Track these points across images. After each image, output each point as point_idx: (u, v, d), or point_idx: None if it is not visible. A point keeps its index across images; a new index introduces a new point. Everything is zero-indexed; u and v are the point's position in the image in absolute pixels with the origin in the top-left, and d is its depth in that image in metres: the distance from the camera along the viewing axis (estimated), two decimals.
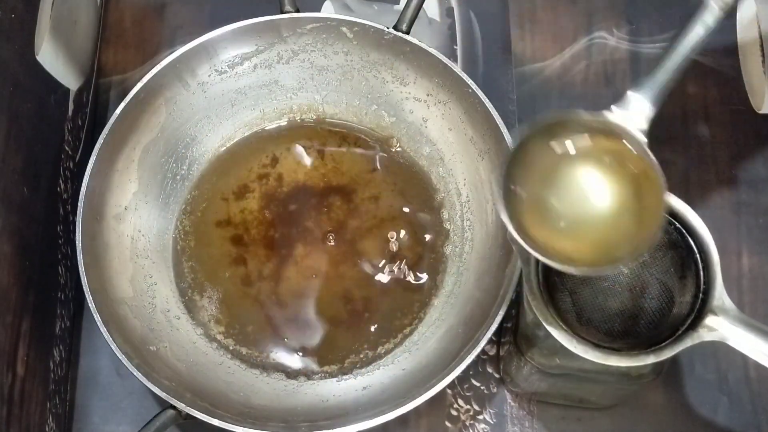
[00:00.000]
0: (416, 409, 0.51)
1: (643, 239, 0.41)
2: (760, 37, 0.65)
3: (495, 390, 0.60)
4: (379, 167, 0.64)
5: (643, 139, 0.41)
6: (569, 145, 0.42)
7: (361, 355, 0.59)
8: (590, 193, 0.42)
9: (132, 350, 0.53)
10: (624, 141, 0.42)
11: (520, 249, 0.40)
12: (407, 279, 0.61)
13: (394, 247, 0.62)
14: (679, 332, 0.44)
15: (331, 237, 0.62)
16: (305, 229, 0.62)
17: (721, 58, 0.67)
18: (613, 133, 0.42)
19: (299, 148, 0.65)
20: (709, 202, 0.64)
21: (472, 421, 0.60)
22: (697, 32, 0.44)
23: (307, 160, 0.64)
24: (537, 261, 0.45)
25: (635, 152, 0.41)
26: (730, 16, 0.45)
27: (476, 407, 0.60)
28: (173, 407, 0.51)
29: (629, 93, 0.43)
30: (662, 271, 0.46)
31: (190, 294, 0.61)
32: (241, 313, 0.60)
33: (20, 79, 0.55)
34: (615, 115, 0.42)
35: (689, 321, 0.44)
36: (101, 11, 0.71)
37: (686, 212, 0.45)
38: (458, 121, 0.61)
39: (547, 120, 0.42)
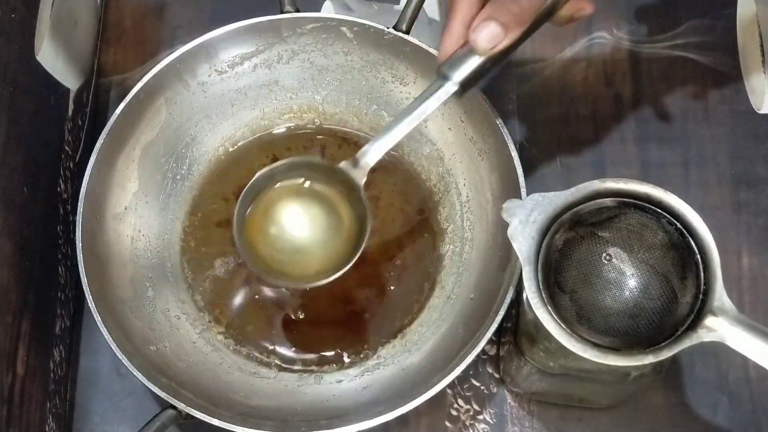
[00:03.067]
0: (416, 409, 0.51)
1: (347, 259, 0.52)
2: (760, 37, 0.65)
3: (495, 390, 0.60)
4: (379, 167, 0.64)
5: (360, 183, 0.51)
6: (286, 183, 0.53)
7: (361, 355, 0.59)
8: (302, 221, 0.54)
9: (132, 350, 0.53)
10: (346, 182, 0.52)
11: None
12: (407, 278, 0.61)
13: (393, 247, 0.62)
14: (679, 332, 0.43)
15: None
16: None
17: (722, 58, 0.67)
18: (338, 175, 0.52)
19: (299, 149, 0.65)
20: (709, 203, 0.64)
21: (472, 421, 0.60)
22: (428, 106, 0.50)
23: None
24: (537, 261, 0.45)
25: (352, 190, 0.52)
26: (461, 95, 0.50)
27: (476, 407, 0.60)
28: (173, 407, 0.51)
29: (358, 154, 0.51)
30: (662, 271, 0.46)
31: (190, 294, 0.61)
32: (241, 313, 0.60)
33: (20, 79, 0.55)
34: (343, 165, 0.52)
35: (689, 321, 0.44)
36: (101, 11, 0.71)
37: (686, 212, 0.45)
38: (458, 121, 0.61)
39: (288, 162, 0.53)
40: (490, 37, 0.46)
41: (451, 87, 0.49)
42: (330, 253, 0.53)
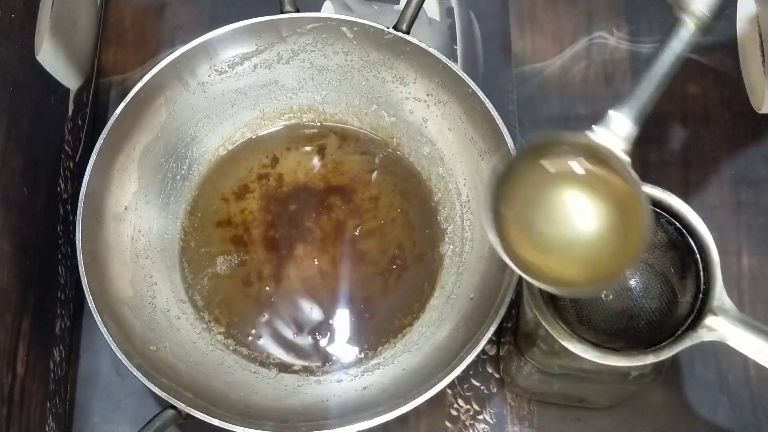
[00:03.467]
0: (416, 409, 0.51)
1: (628, 259, 0.41)
2: (760, 37, 0.65)
3: (495, 390, 0.60)
4: (379, 167, 0.64)
5: (626, 159, 0.42)
6: (554, 167, 0.42)
7: (361, 355, 0.59)
8: (575, 214, 0.42)
9: (132, 350, 0.53)
10: (607, 161, 0.42)
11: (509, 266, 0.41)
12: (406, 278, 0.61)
13: (393, 247, 0.62)
14: (679, 332, 0.44)
15: (331, 237, 0.62)
16: (305, 230, 0.62)
17: (721, 58, 0.67)
18: (596, 153, 0.42)
19: (299, 149, 0.65)
20: (709, 202, 0.64)
21: (472, 421, 0.59)
22: (674, 50, 0.44)
23: (307, 161, 0.64)
24: None
25: (618, 172, 0.42)
26: (706, 32, 0.44)
27: (476, 407, 0.60)
28: (173, 407, 0.51)
29: (610, 112, 0.42)
30: (662, 271, 0.46)
31: (190, 294, 0.61)
32: (241, 313, 0.60)
33: (20, 79, 0.55)
34: (597, 134, 0.42)
35: (689, 321, 0.44)
36: (101, 11, 0.71)
37: (686, 212, 0.45)
38: (458, 121, 0.61)
39: (533, 142, 0.43)
40: None
41: (698, 20, 0.43)
42: (599, 255, 0.43)
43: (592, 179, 0.42)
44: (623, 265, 0.41)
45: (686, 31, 0.43)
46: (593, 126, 0.42)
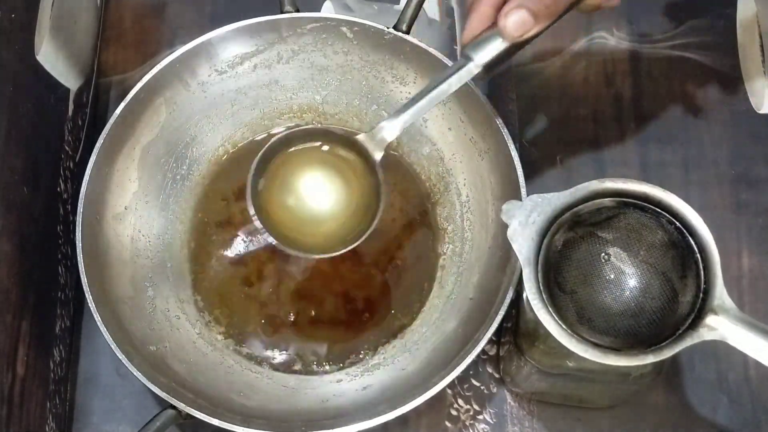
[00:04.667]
0: (416, 409, 0.51)
1: (358, 232, 0.51)
2: (760, 37, 0.65)
3: (495, 390, 0.60)
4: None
5: (377, 158, 0.51)
6: (302, 149, 0.53)
7: (361, 355, 0.59)
8: (322, 192, 0.53)
9: (132, 350, 0.53)
10: (363, 156, 0.52)
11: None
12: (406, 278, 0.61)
13: (393, 247, 0.62)
14: (680, 331, 0.43)
15: None
16: None
17: (722, 58, 0.67)
18: (356, 148, 0.51)
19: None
20: (709, 202, 0.64)
21: (472, 421, 0.59)
22: (450, 85, 0.50)
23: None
24: (537, 262, 0.45)
25: (368, 164, 0.51)
26: (483, 77, 0.50)
27: (476, 407, 0.60)
28: (173, 407, 0.51)
29: (381, 124, 0.50)
30: (662, 270, 0.46)
31: (190, 294, 0.61)
32: (241, 313, 0.60)
33: (20, 79, 0.55)
34: (362, 137, 0.51)
35: (689, 320, 0.44)
36: (101, 11, 0.71)
37: (686, 212, 0.45)
38: (458, 121, 0.61)
39: (298, 131, 0.52)
40: (520, 24, 0.47)
41: (473, 68, 0.49)
42: (342, 226, 0.52)
43: (341, 166, 0.53)
44: (354, 235, 0.51)
45: (466, 73, 0.49)
46: (361, 134, 0.51)
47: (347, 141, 0.52)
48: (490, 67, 0.49)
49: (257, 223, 0.51)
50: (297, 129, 0.52)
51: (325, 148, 0.53)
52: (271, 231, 0.51)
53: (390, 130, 0.50)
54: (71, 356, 0.61)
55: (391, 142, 0.51)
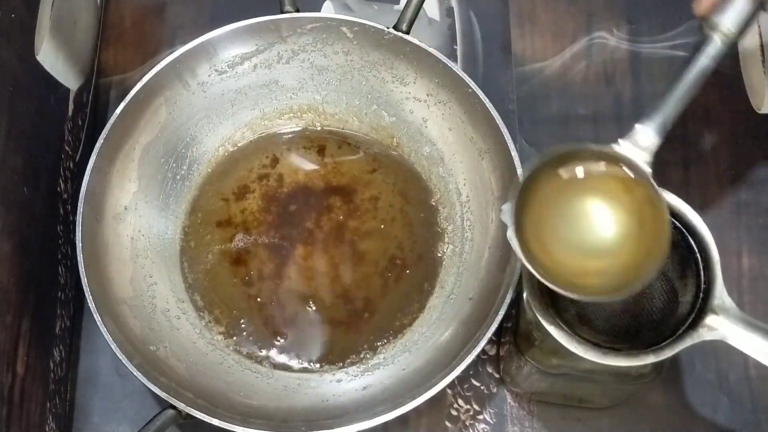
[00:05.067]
0: (416, 409, 0.51)
1: (648, 268, 0.42)
2: (760, 38, 0.65)
3: (495, 390, 0.60)
4: (379, 167, 0.64)
5: (648, 170, 0.43)
6: (578, 174, 0.44)
7: (361, 355, 0.59)
8: (596, 222, 0.44)
9: (132, 350, 0.53)
10: (630, 172, 0.44)
11: (527, 273, 0.41)
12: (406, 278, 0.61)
13: (393, 247, 0.62)
14: (680, 331, 0.43)
15: (331, 237, 0.62)
16: (305, 230, 0.62)
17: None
18: (620, 164, 0.44)
19: (299, 149, 0.65)
20: (709, 202, 0.64)
21: (472, 421, 0.59)
22: (702, 66, 0.45)
23: (307, 161, 0.64)
24: None
25: (641, 182, 0.43)
26: (732, 48, 0.45)
27: (476, 407, 0.60)
28: (173, 407, 0.51)
29: (636, 126, 0.44)
30: (663, 270, 0.46)
31: (190, 294, 0.61)
32: (241, 313, 0.60)
33: (20, 79, 0.55)
34: (621, 147, 0.44)
35: (690, 320, 0.44)
36: (101, 11, 0.71)
37: (687, 212, 0.45)
38: (458, 121, 0.61)
39: (557, 151, 0.44)
40: None
41: (724, 39, 0.44)
42: (621, 260, 0.44)
43: (614, 189, 0.44)
44: (643, 273, 0.42)
45: (714, 48, 0.45)
46: (619, 139, 0.44)
47: (604, 155, 0.44)
48: (738, 36, 0.44)
49: (527, 265, 0.43)
50: (546, 154, 0.44)
51: (600, 176, 0.44)
52: (539, 272, 0.43)
53: (654, 130, 0.44)
54: (71, 356, 0.61)
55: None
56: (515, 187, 0.43)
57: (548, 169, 0.44)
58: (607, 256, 0.43)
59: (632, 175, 0.43)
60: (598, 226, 0.44)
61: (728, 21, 0.44)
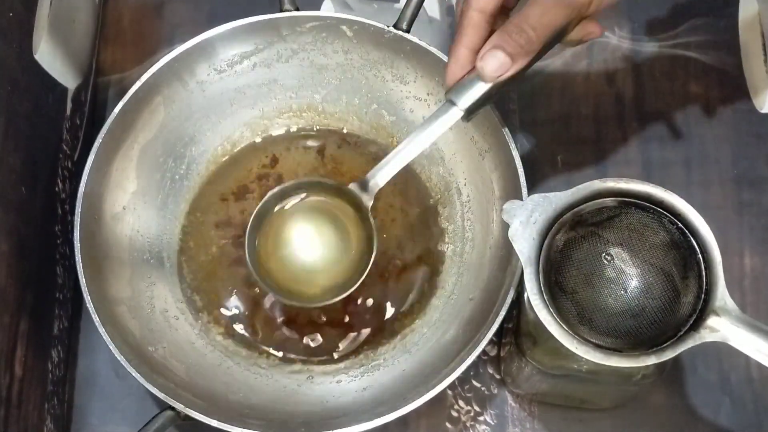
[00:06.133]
0: (416, 410, 0.51)
1: (354, 280, 0.54)
2: (762, 36, 0.65)
3: (496, 391, 0.60)
4: None
5: (368, 206, 0.53)
6: (295, 203, 0.56)
7: (361, 356, 0.59)
8: (312, 242, 0.56)
9: (131, 351, 0.53)
10: (356, 205, 0.54)
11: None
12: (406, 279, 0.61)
13: (393, 247, 0.62)
14: (681, 333, 0.43)
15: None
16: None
17: (723, 57, 0.67)
18: (347, 197, 0.54)
19: (299, 149, 0.64)
20: (711, 202, 0.63)
21: (472, 422, 0.59)
22: (434, 130, 0.51)
23: (307, 161, 0.64)
24: (538, 262, 0.44)
25: (360, 213, 0.54)
26: (467, 119, 0.51)
27: (477, 408, 0.60)
28: (172, 408, 0.51)
29: (367, 176, 0.53)
30: (664, 270, 0.46)
31: (189, 294, 0.61)
32: (240, 313, 0.60)
33: (18, 78, 0.55)
34: (352, 186, 0.53)
35: (691, 321, 0.43)
36: (99, 10, 0.70)
37: (688, 212, 0.44)
38: (459, 121, 0.60)
39: (289, 185, 0.55)
40: (497, 65, 0.47)
41: (457, 112, 0.50)
42: (339, 272, 0.55)
43: (335, 216, 0.55)
44: (349, 284, 0.54)
45: (450, 117, 0.50)
46: (350, 184, 0.53)
47: (339, 191, 0.54)
48: (473, 109, 0.50)
49: (256, 278, 0.54)
50: (289, 183, 0.55)
51: (315, 203, 0.56)
52: (269, 285, 0.54)
53: (380, 177, 0.52)
54: (69, 357, 0.61)
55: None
56: (257, 209, 0.54)
57: (284, 198, 0.55)
58: (326, 269, 0.55)
59: (355, 206, 0.54)
60: (314, 247, 0.56)
61: (464, 100, 0.49)
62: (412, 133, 0.51)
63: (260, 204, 0.54)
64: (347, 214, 0.55)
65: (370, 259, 0.54)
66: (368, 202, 0.53)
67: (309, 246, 0.56)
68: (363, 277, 0.54)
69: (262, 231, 0.55)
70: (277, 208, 0.55)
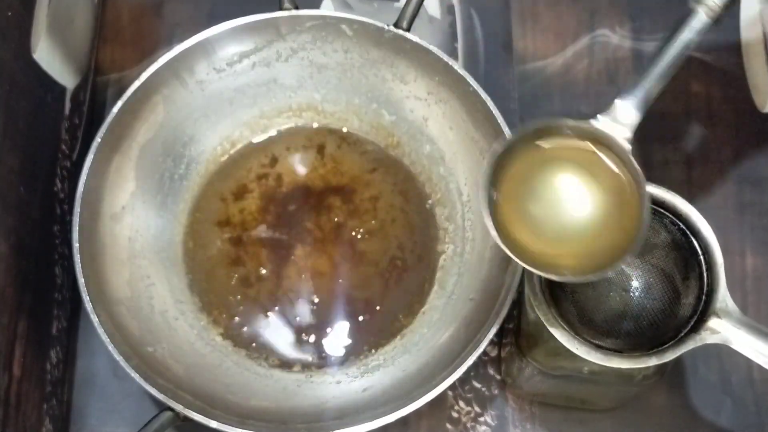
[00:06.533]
0: (417, 411, 0.51)
1: (625, 247, 0.41)
2: (764, 36, 0.65)
3: (496, 392, 0.60)
4: (378, 167, 0.64)
5: (628, 147, 0.42)
6: (553, 149, 0.43)
7: (361, 357, 0.59)
8: (572, 200, 0.43)
9: (129, 351, 0.53)
10: (609, 148, 0.43)
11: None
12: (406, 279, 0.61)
13: (393, 247, 0.62)
14: (682, 334, 0.43)
15: (330, 237, 0.61)
16: (305, 230, 0.62)
17: (725, 56, 0.67)
18: (598, 140, 0.43)
19: (298, 148, 0.64)
20: (712, 203, 0.63)
21: (473, 423, 0.59)
22: (684, 39, 0.44)
23: (307, 161, 0.64)
24: None
25: (620, 160, 0.42)
26: (717, 23, 0.45)
27: (477, 409, 0.60)
28: (171, 409, 0.51)
29: (616, 101, 0.43)
30: (665, 272, 0.46)
31: (188, 295, 0.61)
32: (239, 314, 0.60)
33: (17, 78, 0.55)
34: (600, 123, 0.43)
35: (692, 323, 0.43)
36: (98, 9, 0.70)
37: (690, 212, 0.44)
38: (459, 120, 0.60)
39: (533, 126, 0.43)
40: None
41: (709, 11, 0.44)
42: (596, 241, 0.43)
43: (591, 165, 0.43)
44: (619, 253, 0.41)
45: (698, 22, 0.44)
46: (598, 115, 0.43)
47: (584, 131, 0.43)
48: (725, 10, 0.44)
49: (498, 243, 0.42)
50: (522, 129, 0.43)
51: (574, 151, 0.43)
52: (514, 251, 0.42)
53: (634, 106, 0.43)
54: (68, 357, 0.61)
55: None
56: (491, 157, 0.42)
57: (523, 145, 0.43)
58: (581, 235, 0.43)
59: (611, 153, 0.43)
60: (574, 206, 0.43)
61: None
62: (661, 50, 0.44)
63: (492, 153, 0.42)
64: (599, 165, 0.43)
65: (641, 225, 0.41)
66: (626, 141, 0.42)
67: (563, 203, 0.43)
68: (636, 246, 0.41)
69: (500, 187, 0.43)
70: (514, 158, 0.43)
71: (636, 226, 0.41)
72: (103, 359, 0.60)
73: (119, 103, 0.57)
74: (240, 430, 0.51)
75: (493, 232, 0.42)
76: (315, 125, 0.65)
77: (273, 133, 0.65)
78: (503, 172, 0.43)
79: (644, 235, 0.41)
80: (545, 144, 0.43)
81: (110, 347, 0.52)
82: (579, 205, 0.43)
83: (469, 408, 0.60)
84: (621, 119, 0.43)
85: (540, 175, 0.43)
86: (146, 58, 0.68)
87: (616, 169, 0.42)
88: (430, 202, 0.63)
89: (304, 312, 0.60)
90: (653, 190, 0.45)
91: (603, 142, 0.42)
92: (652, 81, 0.44)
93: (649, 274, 0.46)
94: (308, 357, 0.59)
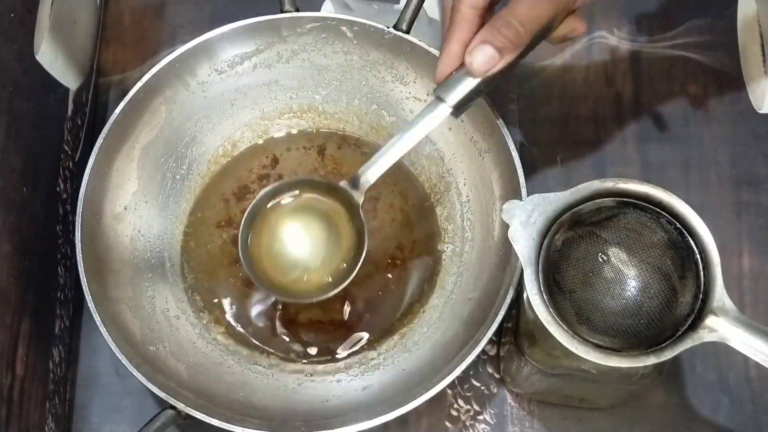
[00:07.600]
0: (416, 410, 0.51)
1: (346, 276, 0.54)
2: (761, 37, 0.65)
3: (495, 390, 0.60)
4: None
5: (359, 202, 0.53)
6: (288, 201, 0.56)
7: (361, 355, 0.59)
8: (308, 239, 0.56)
9: (131, 350, 0.53)
10: (347, 202, 0.54)
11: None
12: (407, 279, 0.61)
13: (393, 247, 0.62)
14: (680, 333, 0.43)
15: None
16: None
17: (722, 57, 0.67)
18: (338, 194, 0.54)
19: (299, 149, 0.65)
20: (709, 202, 0.63)
21: (472, 422, 0.59)
22: (424, 128, 0.50)
23: (307, 161, 0.64)
24: (538, 262, 0.45)
25: (353, 210, 0.54)
26: (457, 115, 0.50)
27: (476, 407, 0.60)
28: (173, 407, 0.51)
29: (358, 172, 0.53)
30: (663, 271, 0.46)
31: (189, 294, 0.61)
32: (241, 313, 0.60)
33: (20, 79, 0.55)
34: (344, 183, 0.54)
35: (690, 321, 0.44)
36: (101, 11, 0.70)
37: (687, 212, 0.45)
38: (458, 121, 0.60)
39: (282, 183, 0.55)
40: (485, 60, 0.47)
41: (445, 109, 0.50)
42: (331, 269, 0.55)
43: (326, 213, 0.56)
44: (340, 280, 0.54)
45: (441, 113, 0.50)
46: (341, 182, 0.54)
47: (330, 188, 0.55)
48: (462, 105, 0.49)
49: (249, 274, 0.54)
50: (281, 182, 0.55)
51: (309, 196, 0.56)
52: (262, 282, 0.55)
53: (370, 174, 0.52)
54: (71, 356, 0.61)
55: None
56: (246, 214, 0.54)
57: (276, 197, 0.55)
58: (318, 265, 0.55)
59: (347, 203, 0.54)
60: (310, 240, 0.56)
61: (453, 96, 0.49)
62: (401, 130, 0.51)
63: (253, 202, 0.55)
64: (339, 212, 0.55)
65: (361, 256, 0.54)
66: (359, 198, 0.53)
67: (301, 243, 0.56)
68: (354, 275, 0.54)
69: (255, 228, 0.55)
70: (269, 205, 0.55)
71: (354, 257, 0.54)
72: (105, 358, 0.60)
73: (122, 104, 0.57)
74: (241, 428, 0.51)
75: (244, 264, 0.54)
76: (316, 126, 0.65)
77: (274, 133, 0.65)
78: (257, 220, 0.55)
79: (360, 263, 0.54)
80: (286, 196, 0.56)
81: (112, 346, 0.52)
82: (313, 244, 0.56)
83: (468, 406, 0.60)
84: (359, 184, 0.53)
85: (283, 222, 0.56)
86: (148, 59, 0.68)
87: (348, 218, 0.55)
88: (429, 202, 0.63)
89: (304, 311, 0.60)
90: (650, 190, 0.45)
91: (345, 197, 0.54)
92: (388, 158, 0.52)
93: (647, 273, 0.46)
94: (309, 356, 0.59)
